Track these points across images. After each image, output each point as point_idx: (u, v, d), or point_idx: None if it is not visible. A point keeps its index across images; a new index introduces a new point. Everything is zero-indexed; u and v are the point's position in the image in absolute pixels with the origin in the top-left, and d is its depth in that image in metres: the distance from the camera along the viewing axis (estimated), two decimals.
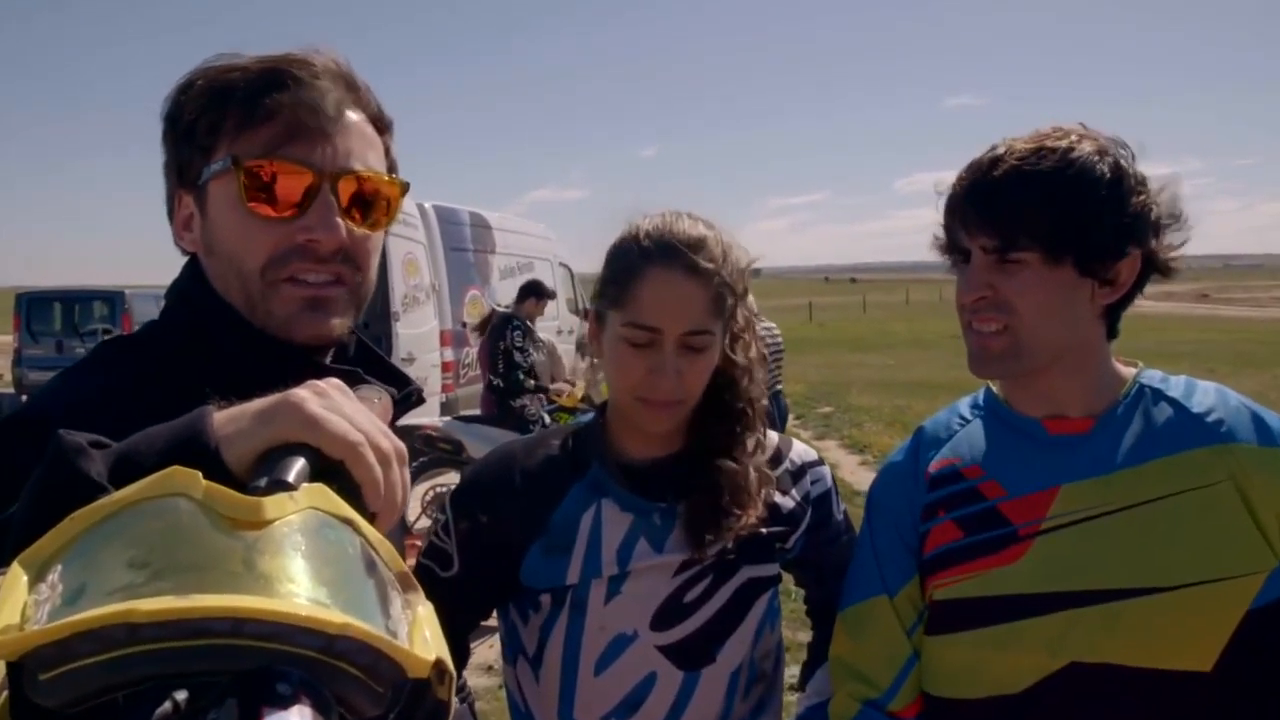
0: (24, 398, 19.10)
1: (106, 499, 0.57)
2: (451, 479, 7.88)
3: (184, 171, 1.10)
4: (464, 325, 11.83)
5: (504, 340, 8.19)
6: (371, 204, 1.11)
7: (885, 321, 45.79)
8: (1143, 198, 1.32)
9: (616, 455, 1.56)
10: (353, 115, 1.10)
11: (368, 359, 1.20)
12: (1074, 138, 1.32)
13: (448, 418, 8.71)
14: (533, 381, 8.28)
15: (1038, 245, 1.30)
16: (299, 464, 0.67)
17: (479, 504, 1.55)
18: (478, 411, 10.28)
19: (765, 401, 1.59)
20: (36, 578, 0.53)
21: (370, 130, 1.12)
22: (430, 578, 1.51)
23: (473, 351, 12.06)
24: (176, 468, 0.58)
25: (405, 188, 1.15)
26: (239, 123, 1.05)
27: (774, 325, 8.23)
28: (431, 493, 7.77)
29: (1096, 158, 1.31)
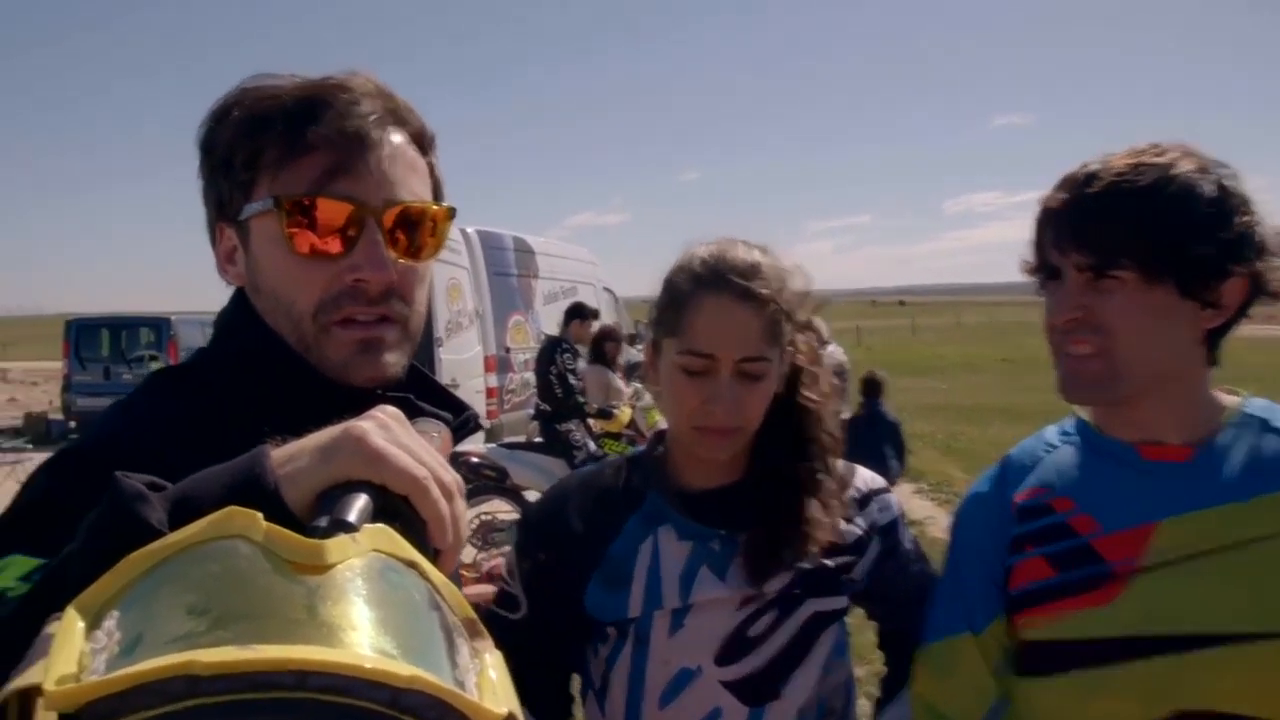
0: (72, 424, 19.55)
1: (163, 541, 0.55)
2: (497, 507, 7.89)
3: (224, 205, 1.09)
4: (507, 350, 11.92)
5: (554, 364, 8.22)
6: (418, 234, 1.08)
7: (935, 345, 45.35)
8: (1247, 217, 1.27)
9: (675, 484, 1.56)
10: (395, 137, 1.07)
11: (420, 385, 1.18)
12: (1174, 154, 1.28)
13: (492, 444, 8.75)
14: (585, 403, 8.30)
15: (1135, 264, 1.25)
16: (360, 502, 0.65)
17: (538, 542, 1.57)
18: (522, 438, 10.32)
19: (840, 433, 1.57)
20: (93, 624, 0.51)
21: (413, 152, 1.10)
22: (500, 624, 1.51)
23: (516, 377, 12.15)
24: (235, 508, 0.57)
25: (452, 213, 1.13)
26: (279, 157, 1.03)
27: (838, 348, 8.15)
28: (477, 520, 7.79)
29: (1198, 175, 1.26)
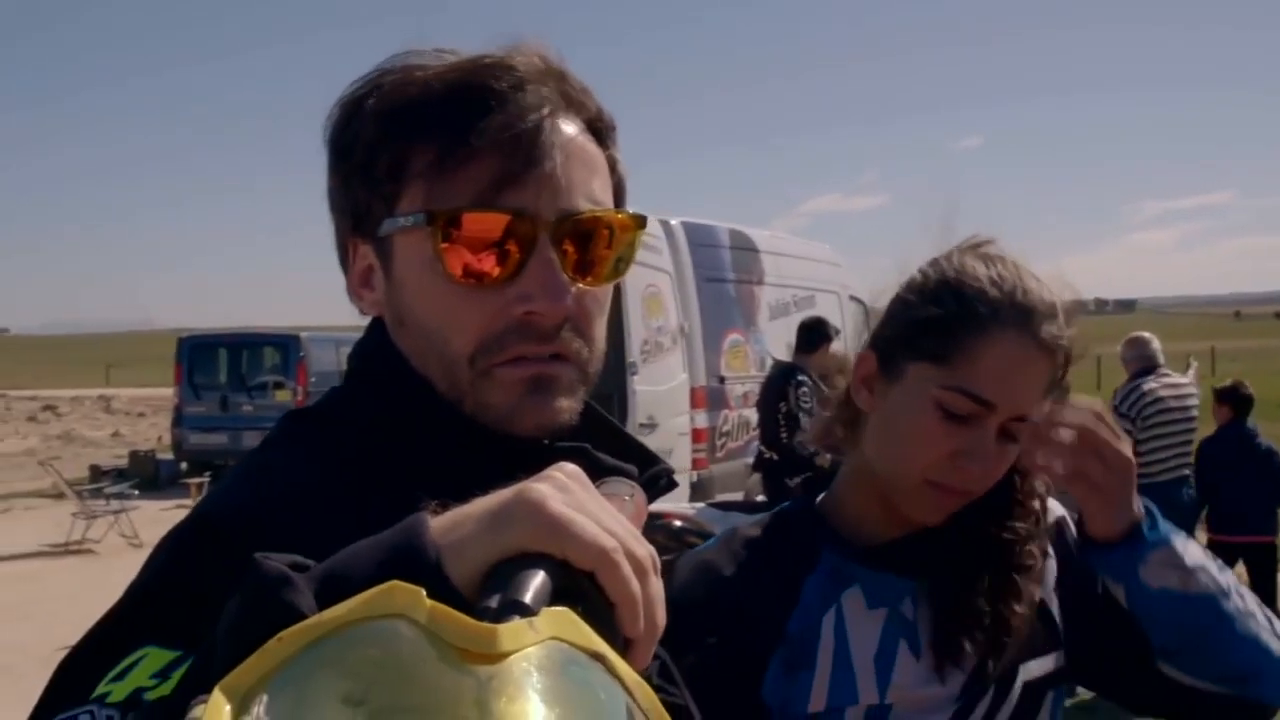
0: (184, 465, 21.08)
1: (317, 619, 0.63)
2: None
3: (360, 217, 1.14)
4: (721, 380, 11.91)
5: (785, 401, 8.17)
6: (598, 249, 1.11)
7: None
8: None
9: (852, 537, 1.61)
10: (569, 128, 1.10)
11: (598, 430, 1.21)
12: None
13: (700, 503, 8.78)
14: (824, 455, 8.23)
15: None
16: (538, 580, 0.70)
17: (703, 624, 1.57)
18: (739, 495, 10.26)
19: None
20: (240, 709, 0.60)
21: (592, 145, 1.14)
22: None
23: (733, 415, 12.12)
24: (396, 583, 0.64)
25: (641, 222, 1.16)
26: (432, 162, 1.07)
27: (1185, 380, 7.80)
28: None
29: None
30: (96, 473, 20.21)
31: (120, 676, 0.87)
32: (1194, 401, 7.84)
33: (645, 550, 0.79)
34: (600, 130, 1.17)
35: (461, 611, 0.63)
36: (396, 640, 0.61)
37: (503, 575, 0.72)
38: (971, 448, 1.47)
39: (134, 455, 22.40)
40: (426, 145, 1.07)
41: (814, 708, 1.52)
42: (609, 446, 1.16)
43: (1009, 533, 1.58)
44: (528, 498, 0.76)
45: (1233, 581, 1.52)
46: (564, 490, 0.77)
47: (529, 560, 0.73)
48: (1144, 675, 1.54)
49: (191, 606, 0.86)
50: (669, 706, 1.54)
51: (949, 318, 1.51)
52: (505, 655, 0.61)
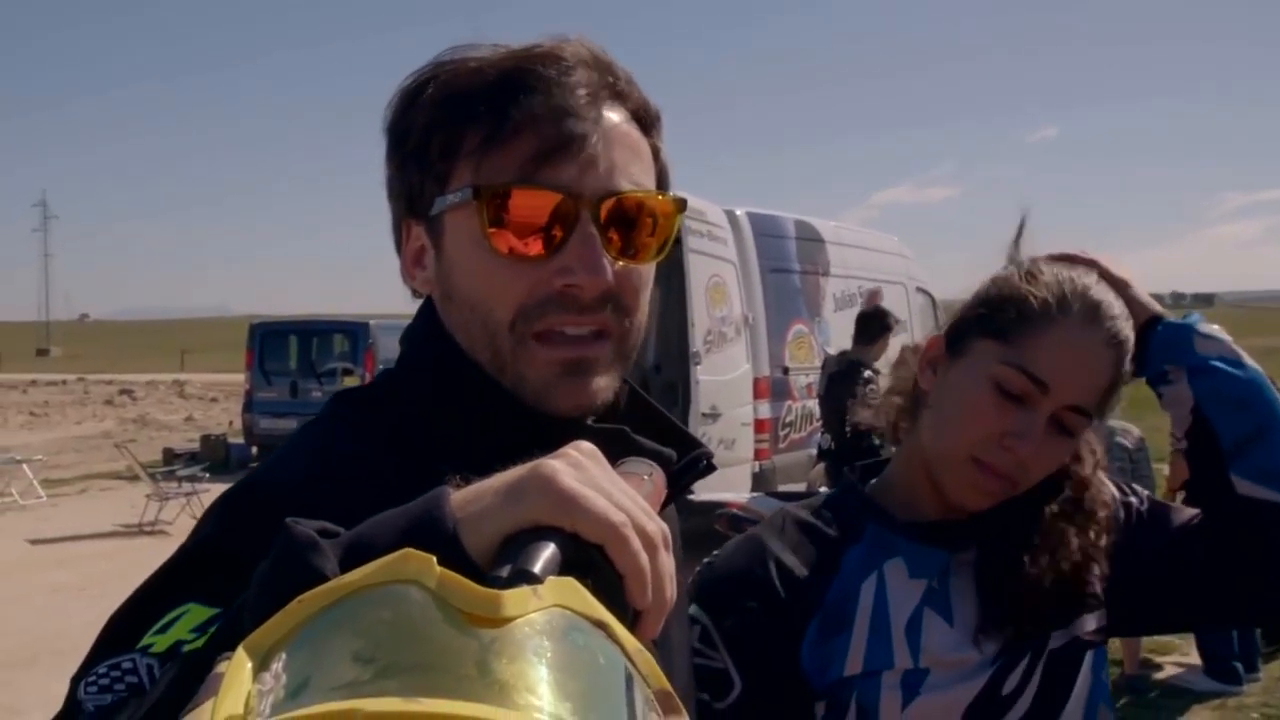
0: (254, 449, 21.39)
1: (336, 582, 0.67)
2: None
3: (414, 199, 1.20)
4: (785, 371, 11.90)
5: (853, 394, 8.17)
6: (638, 229, 1.16)
7: None
8: None
9: (898, 515, 1.64)
10: (613, 115, 1.16)
11: (640, 413, 1.26)
12: None
13: (759, 493, 8.80)
14: (889, 447, 8.19)
15: None
16: (547, 551, 0.74)
17: (743, 591, 1.62)
18: (801, 486, 10.26)
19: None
20: (261, 666, 0.64)
21: (635, 132, 1.19)
22: (706, 715, 1.55)
23: (797, 406, 12.10)
24: (409, 550, 0.67)
25: (681, 205, 1.21)
26: (481, 142, 1.12)
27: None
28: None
29: None
30: (170, 456, 20.62)
31: (163, 630, 0.93)
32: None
33: (656, 526, 0.82)
34: (644, 119, 1.21)
35: (476, 580, 0.67)
36: (407, 604, 0.65)
37: (515, 546, 0.75)
38: (1021, 429, 1.49)
39: (206, 439, 22.77)
40: (476, 126, 1.12)
41: (850, 670, 1.55)
42: (648, 429, 1.20)
43: (1054, 505, 1.60)
44: (540, 473, 0.79)
45: None
46: (577, 467, 0.81)
47: (541, 533, 0.76)
48: (1224, 500, 1.55)
49: (233, 568, 0.90)
50: (708, 671, 1.59)
51: (1020, 298, 1.55)
52: (509, 620, 0.64)
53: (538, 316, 1.13)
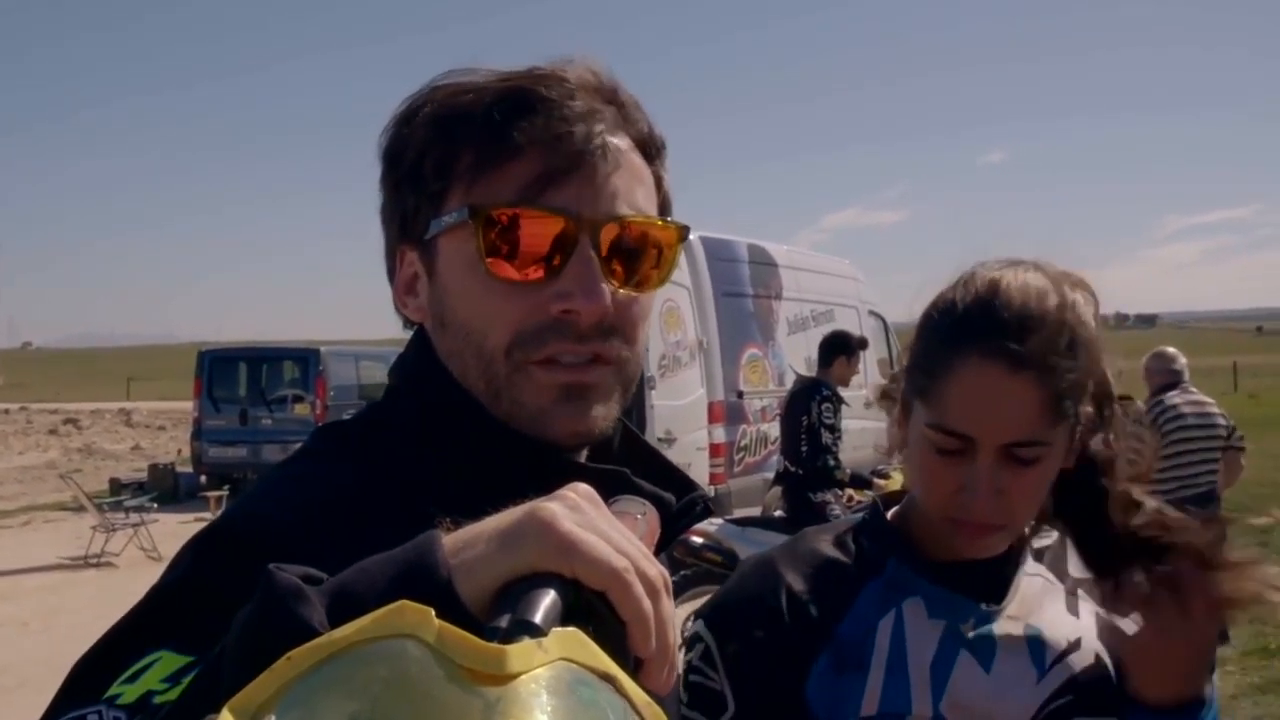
0: (203, 478, 21.20)
1: (326, 638, 0.63)
2: None
3: (408, 223, 1.16)
4: (739, 395, 11.94)
5: (808, 414, 8.19)
6: (639, 257, 1.14)
7: None
8: None
9: (920, 553, 1.59)
10: (617, 141, 1.13)
11: (636, 454, 1.23)
12: None
13: (718, 520, 8.79)
14: (844, 470, 8.23)
15: None
16: (547, 600, 0.71)
17: (751, 616, 1.57)
18: (757, 510, 10.26)
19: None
20: None
21: (638, 160, 1.16)
22: None
23: (751, 430, 12.14)
24: (405, 603, 0.64)
25: (684, 233, 1.19)
26: (477, 162, 1.10)
27: (1208, 400, 7.84)
28: (693, 619, 7.84)
29: None
30: (116, 486, 20.37)
31: (133, 679, 0.88)
32: (1220, 420, 7.82)
33: (657, 570, 0.79)
34: (648, 147, 1.19)
35: (472, 631, 0.64)
36: (405, 660, 0.61)
37: (513, 595, 0.72)
38: (968, 482, 1.45)
39: (154, 468, 22.51)
40: (473, 146, 1.10)
41: (866, 712, 1.50)
42: (646, 471, 1.17)
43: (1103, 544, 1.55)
44: (538, 517, 0.76)
45: None
46: (575, 509, 0.78)
47: (540, 580, 0.73)
48: None
49: (209, 613, 0.86)
50: (704, 690, 1.56)
51: (925, 350, 1.52)
52: (514, 676, 0.61)
53: (535, 345, 1.10)
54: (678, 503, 1.16)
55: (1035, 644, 1.53)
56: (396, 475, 1.09)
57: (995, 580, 1.56)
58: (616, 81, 1.17)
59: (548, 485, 0.82)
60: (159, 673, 0.88)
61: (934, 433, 1.47)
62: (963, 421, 1.44)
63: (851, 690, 1.51)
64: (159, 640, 0.91)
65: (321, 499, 1.06)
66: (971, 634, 1.52)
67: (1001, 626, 1.53)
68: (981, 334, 1.44)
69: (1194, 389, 8.04)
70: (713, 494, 11.23)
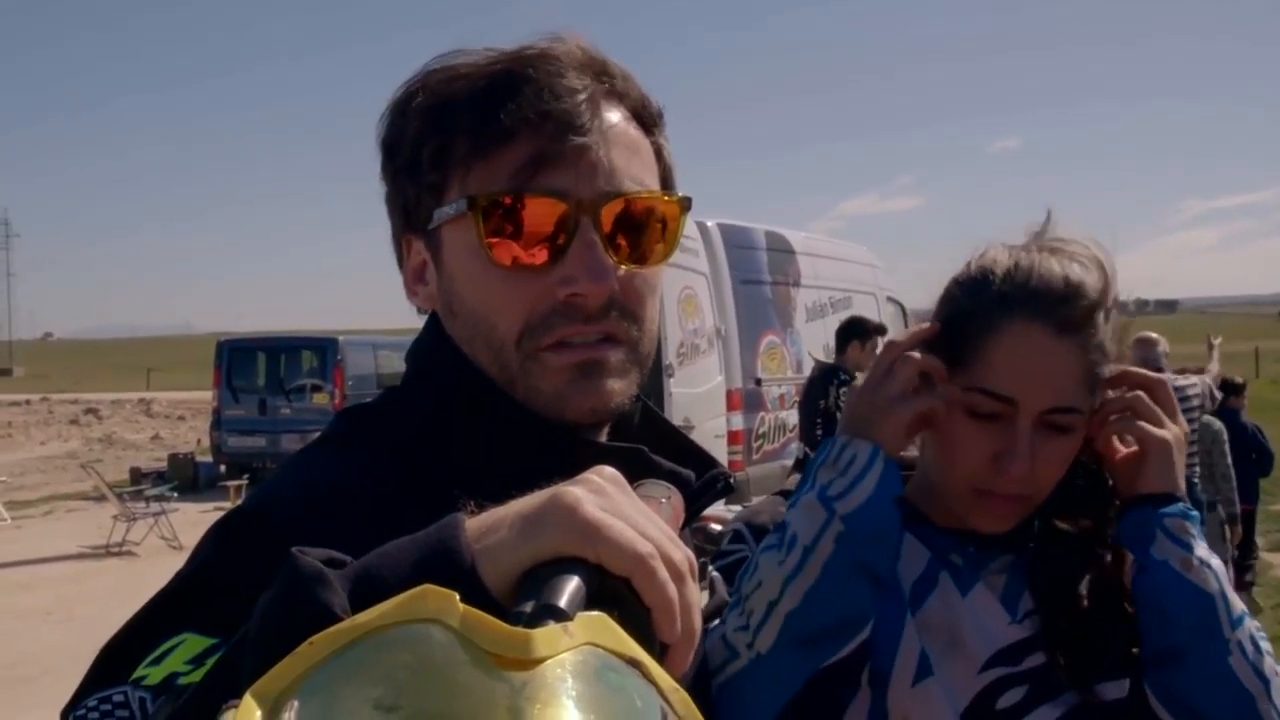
0: (223, 468, 21.28)
1: (350, 623, 0.63)
2: None
3: (411, 213, 1.16)
4: (758, 382, 11.91)
5: (825, 398, 8.18)
6: (643, 232, 1.13)
7: None
8: None
9: (939, 520, 1.59)
10: (611, 115, 1.12)
11: (655, 432, 1.22)
12: None
13: (737, 506, 8.77)
14: None
15: None
16: (572, 585, 0.70)
17: (774, 511, 1.60)
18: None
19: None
20: (270, 714, 0.59)
21: (634, 131, 1.15)
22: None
23: (770, 417, 12.11)
24: (429, 587, 0.63)
25: (687, 204, 1.17)
26: (471, 149, 1.09)
27: (1194, 381, 7.79)
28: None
29: None
30: (137, 475, 20.46)
31: (158, 661, 0.89)
32: (1196, 402, 7.77)
33: (682, 554, 0.78)
34: (645, 117, 1.18)
35: (496, 616, 0.63)
36: (429, 645, 0.61)
37: (538, 580, 0.71)
38: (1007, 447, 1.44)
39: (173, 458, 22.62)
40: (466, 132, 1.09)
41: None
42: (665, 449, 1.17)
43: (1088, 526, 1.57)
44: (562, 501, 0.75)
45: (1251, 628, 1.45)
46: (599, 494, 0.77)
47: (564, 565, 0.72)
48: (1130, 689, 1.50)
49: (232, 596, 0.87)
50: (735, 563, 1.55)
51: (961, 317, 1.50)
52: (540, 661, 0.60)
53: (544, 331, 1.09)
54: (698, 480, 1.15)
55: (1014, 588, 1.55)
56: (416, 461, 1.09)
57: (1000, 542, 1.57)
58: (606, 56, 1.15)
59: (564, 464, 0.82)
60: (183, 655, 0.89)
61: (974, 395, 1.46)
62: (1006, 383, 1.44)
63: None
64: (183, 624, 0.92)
65: (341, 484, 1.06)
66: (958, 561, 1.55)
67: (987, 566, 1.55)
68: (1028, 298, 1.45)
69: (1173, 375, 8.03)
70: (732, 481, 11.19)
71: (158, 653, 0.90)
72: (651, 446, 1.14)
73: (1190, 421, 7.76)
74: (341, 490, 1.04)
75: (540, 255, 1.08)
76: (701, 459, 1.21)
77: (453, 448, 1.11)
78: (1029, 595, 1.54)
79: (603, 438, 1.17)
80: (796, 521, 1.44)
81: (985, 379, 1.45)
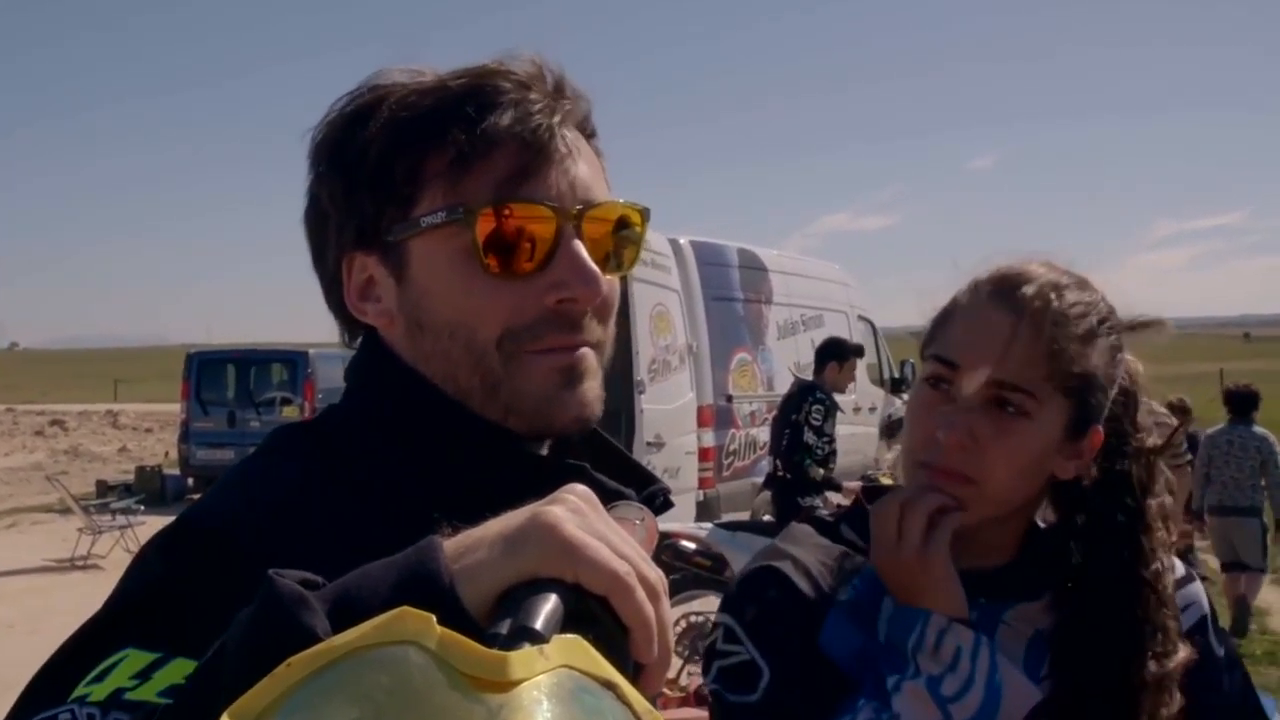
0: (190, 480, 21.12)
1: (327, 644, 0.63)
2: (710, 604, 7.93)
3: (365, 229, 1.14)
4: (729, 399, 11.94)
5: (797, 412, 8.23)
6: (616, 239, 1.16)
7: None
8: None
9: None
10: (573, 130, 1.15)
11: (597, 448, 1.23)
12: None
13: (707, 524, 8.79)
14: (821, 472, 8.26)
15: None
16: (549, 605, 0.71)
17: (762, 584, 1.56)
18: (745, 514, 10.27)
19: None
20: None
21: (586, 143, 1.18)
22: (739, 713, 1.50)
23: (740, 434, 12.14)
24: (407, 609, 0.64)
25: (647, 214, 1.20)
26: (450, 163, 1.09)
27: (1160, 410, 7.86)
28: (684, 623, 7.83)
29: None
30: (103, 488, 20.24)
31: (100, 678, 0.88)
32: (1184, 447, 7.91)
33: (656, 575, 0.80)
34: (588, 128, 1.21)
35: (474, 637, 0.64)
36: (407, 667, 0.61)
37: (515, 600, 0.72)
38: (946, 415, 1.46)
39: (141, 471, 22.38)
40: (444, 146, 1.10)
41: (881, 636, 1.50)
42: (607, 465, 1.18)
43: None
44: (542, 521, 0.76)
45: None
46: (577, 513, 0.78)
47: (542, 585, 0.73)
48: None
49: (174, 609, 0.88)
50: (736, 667, 1.54)
51: (941, 315, 1.57)
52: (516, 683, 0.61)
53: (530, 338, 1.10)
54: (638, 496, 1.15)
55: (1036, 652, 1.52)
56: (363, 473, 1.10)
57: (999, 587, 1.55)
58: (561, 69, 1.18)
59: (512, 476, 0.82)
60: (127, 670, 0.89)
61: (931, 363, 1.52)
62: (954, 349, 1.50)
63: (864, 625, 1.50)
64: (124, 639, 0.91)
65: (279, 498, 1.06)
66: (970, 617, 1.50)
67: (1002, 618, 1.53)
68: (996, 280, 1.52)
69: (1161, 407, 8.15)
70: (702, 498, 11.23)
71: (99, 669, 0.89)
72: (591, 462, 1.15)
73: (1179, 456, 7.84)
74: (281, 502, 1.05)
75: (527, 262, 1.09)
76: (640, 475, 1.22)
77: (401, 460, 1.11)
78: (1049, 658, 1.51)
79: (544, 450, 1.18)
80: (908, 715, 1.42)
81: (941, 347, 1.52)
